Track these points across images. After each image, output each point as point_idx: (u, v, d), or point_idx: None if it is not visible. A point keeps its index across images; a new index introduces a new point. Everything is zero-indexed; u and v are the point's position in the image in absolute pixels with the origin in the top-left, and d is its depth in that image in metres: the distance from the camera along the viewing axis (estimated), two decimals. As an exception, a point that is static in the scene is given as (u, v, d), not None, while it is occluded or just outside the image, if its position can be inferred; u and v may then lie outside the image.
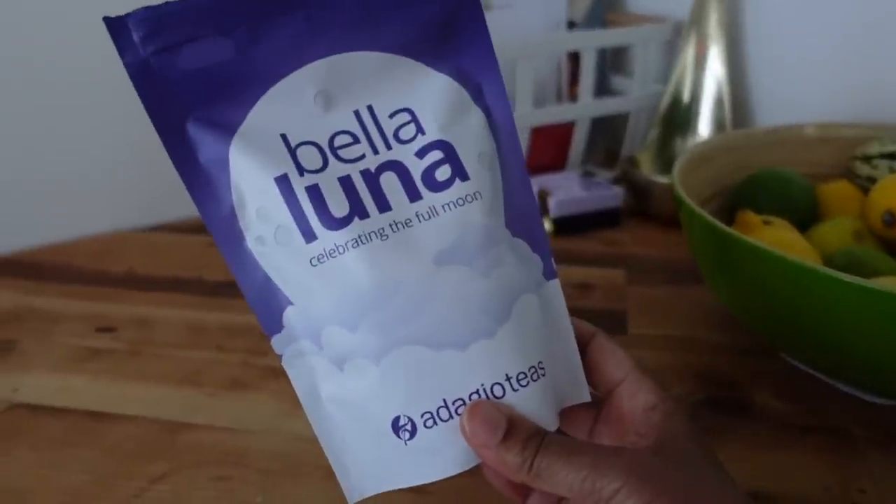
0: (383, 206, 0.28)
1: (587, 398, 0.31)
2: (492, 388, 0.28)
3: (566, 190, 0.71)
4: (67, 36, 0.68)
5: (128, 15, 0.26)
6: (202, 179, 0.28)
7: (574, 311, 0.31)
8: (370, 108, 0.29)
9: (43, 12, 0.66)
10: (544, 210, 0.71)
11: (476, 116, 0.30)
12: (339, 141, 0.29)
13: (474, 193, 0.29)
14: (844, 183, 0.59)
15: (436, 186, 0.29)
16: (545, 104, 0.81)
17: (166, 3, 0.26)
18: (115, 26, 0.26)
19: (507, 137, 0.30)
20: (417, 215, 0.28)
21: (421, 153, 0.29)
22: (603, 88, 0.87)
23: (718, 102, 0.77)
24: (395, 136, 0.29)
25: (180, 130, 0.28)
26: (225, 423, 0.46)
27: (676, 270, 0.64)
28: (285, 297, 0.29)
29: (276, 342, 0.29)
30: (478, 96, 0.30)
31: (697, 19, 0.77)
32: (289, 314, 0.29)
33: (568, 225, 0.71)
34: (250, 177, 0.28)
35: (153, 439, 0.45)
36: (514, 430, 0.27)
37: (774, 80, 0.76)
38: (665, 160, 0.78)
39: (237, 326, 0.57)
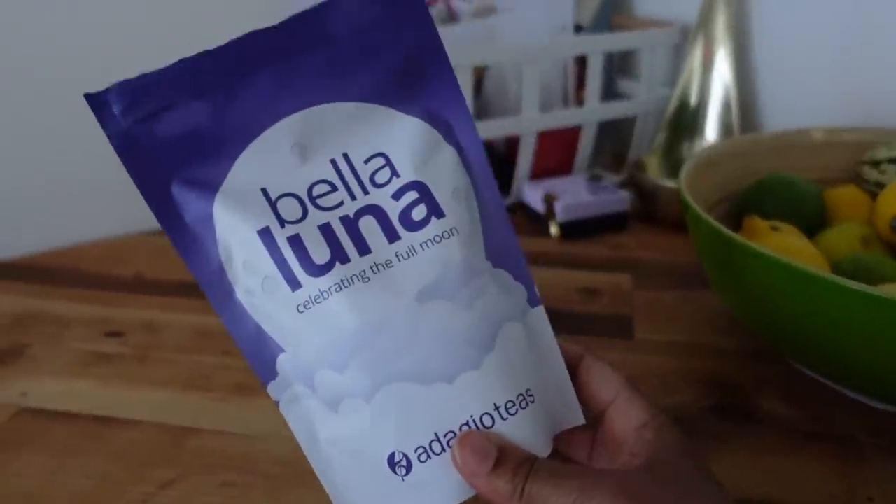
0: (363, 249, 0.29)
1: (581, 421, 0.31)
2: (481, 419, 0.29)
3: (573, 194, 0.71)
4: (75, 40, 0.68)
5: (107, 90, 0.28)
6: (189, 238, 0.29)
7: (580, 316, 0.32)
8: (346, 156, 0.30)
9: (51, 17, 0.67)
10: (551, 214, 0.71)
11: (448, 154, 0.31)
12: (317, 190, 0.30)
13: (451, 229, 0.30)
14: (852, 188, 0.59)
15: (413, 226, 0.30)
16: (551, 108, 0.81)
17: (142, 74, 0.28)
18: (96, 101, 0.28)
19: (480, 171, 0.31)
20: (397, 255, 0.29)
21: (397, 195, 0.30)
22: (610, 92, 0.87)
23: (726, 106, 0.77)
24: (371, 180, 0.30)
25: (165, 193, 0.29)
26: (232, 428, 0.46)
27: (683, 275, 0.64)
28: (277, 345, 0.30)
29: (272, 389, 0.30)
30: (448, 134, 0.31)
31: (705, 23, 0.77)
32: (281, 361, 0.30)
33: (574, 229, 0.71)
34: (235, 231, 0.29)
35: (160, 445, 0.45)
36: (505, 457, 0.28)
37: (782, 83, 0.76)
38: (672, 164, 0.78)
39: (244, 331, 0.57)
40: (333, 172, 0.30)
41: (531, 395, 0.29)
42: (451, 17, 0.80)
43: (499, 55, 0.71)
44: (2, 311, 0.61)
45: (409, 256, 0.29)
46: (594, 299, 0.60)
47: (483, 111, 0.81)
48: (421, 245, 0.29)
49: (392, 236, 0.29)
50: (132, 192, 0.80)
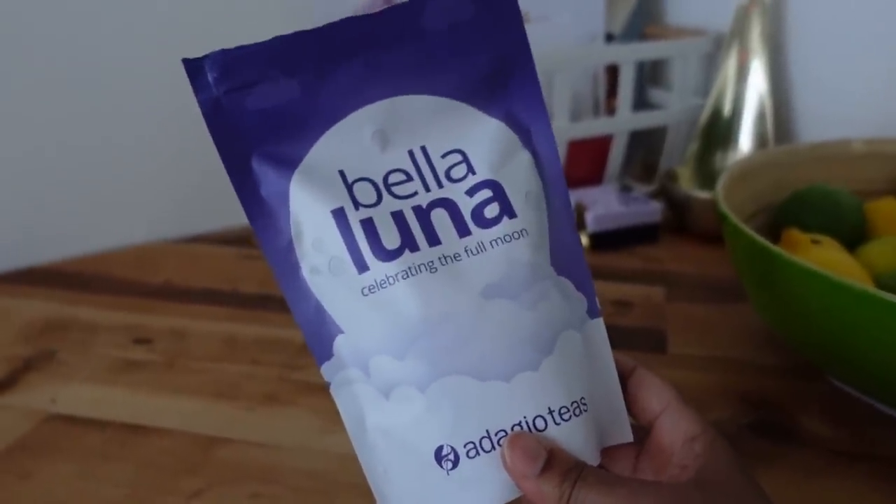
0: (433, 240, 0.29)
1: (629, 438, 0.31)
2: (534, 421, 0.28)
3: (604, 204, 0.70)
4: (109, 49, 0.69)
5: (205, 57, 0.28)
6: (263, 211, 0.30)
7: (612, 329, 0.31)
8: (423, 149, 0.31)
9: (90, 26, 0.67)
10: (581, 225, 0.70)
11: (524, 159, 0.31)
12: (393, 178, 0.30)
13: (521, 230, 0.30)
14: (893, 200, 0.58)
15: (484, 223, 0.30)
16: (581, 116, 0.81)
17: (239, 46, 0.28)
18: (192, 67, 0.28)
19: (553, 180, 0.31)
20: (466, 250, 0.29)
21: (471, 192, 0.30)
22: (641, 101, 0.86)
23: (760, 116, 0.75)
24: (447, 175, 0.30)
25: (245, 165, 0.29)
26: (260, 438, 0.46)
27: (717, 288, 0.63)
28: (336, 326, 0.29)
29: (326, 369, 0.30)
30: (526, 140, 0.31)
31: (739, 32, 0.76)
32: (338, 342, 0.29)
33: (605, 240, 0.70)
34: (308, 209, 0.29)
35: (189, 453, 0.45)
36: (554, 462, 0.27)
37: (818, 93, 0.75)
38: (705, 175, 0.77)
39: (272, 340, 0.57)
40: (410, 163, 0.30)
41: (585, 404, 0.29)
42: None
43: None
44: (31, 317, 0.61)
45: (477, 252, 0.29)
46: (626, 312, 0.59)
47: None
48: (490, 242, 0.29)
49: (463, 231, 0.29)
50: (161, 200, 0.80)
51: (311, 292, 0.30)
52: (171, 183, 0.75)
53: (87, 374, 0.53)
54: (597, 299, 0.31)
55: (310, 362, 0.54)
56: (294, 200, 0.29)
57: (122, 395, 0.51)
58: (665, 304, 0.61)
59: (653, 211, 0.71)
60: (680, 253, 0.70)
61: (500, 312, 0.28)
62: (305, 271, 0.30)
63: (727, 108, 0.77)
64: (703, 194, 0.71)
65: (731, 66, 0.76)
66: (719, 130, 0.77)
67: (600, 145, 0.79)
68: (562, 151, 0.74)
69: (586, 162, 0.79)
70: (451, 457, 0.28)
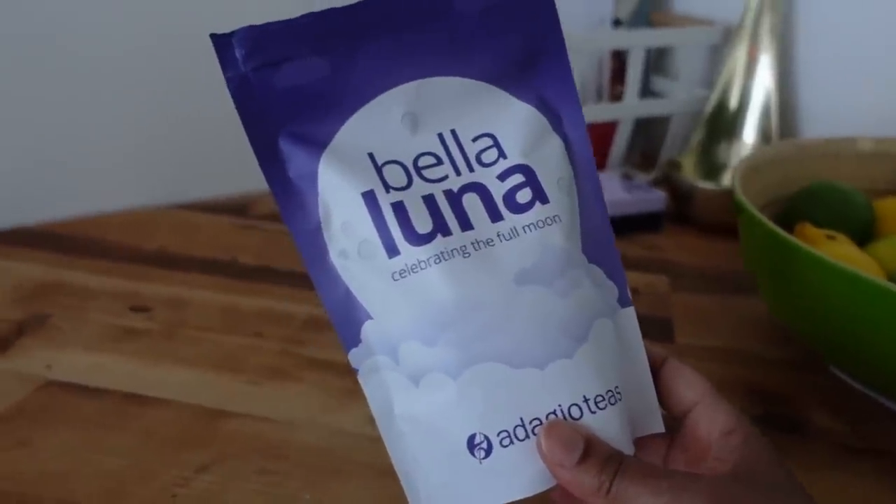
0: (465, 225, 0.29)
1: (661, 428, 0.31)
2: (569, 409, 0.28)
3: (608, 191, 0.70)
4: (105, 12, 0.66)
5: (233, 33, 0.27)
6: (291, 193, 0.29)
7: None
8: (454, 132, 0.30)
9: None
10: (585, 210, 0.70)
11: (556, 144, 0.31)
12: (423, 161, 0.29)
13: (554, 216, 0.29)
14: (900, 199, 0.58)
15: (517, 208, 0.29)
16: (585, 102, 0.80)
17: (268, 23, 0.28)
18: (220, 42, 0.27)
19: (584, 166, 0.31)
20: (499, 235, 0.29)
21: (502, 176, 0.30)
22: (644, 89, 0.85)
23: (765, 111, 0.75)
24: (478, 159, 0.30)
25: (273, 145, 0.29)
26: (266, 413, 0.45)
27: (720, 279, 0.63)
28: (365, 312, 0.29)
29: (353, 356, 0.29)
30: (557, 125, 0.31)
31: (749, 25, 0.75)
32: (367, 328, 0.29)
33: (608, 227, 0.69)
34: (338, 191, 0.29)
35: (192, 426, 0.44)
36: (592, 451, 0.27)
37: (823, 91, 0.75)
38: (708, 166, 0.76)
39: (274, 314, 0.56)
40: (440, 146, 0.30)
41: (619, 393, 0.29)
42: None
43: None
44: (23, 279, 0.59)
45: (510, 238, 0.29)
46: (632, 300, 0.59)
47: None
48: (523, 228, 0.29)
49: (495, 216, 0.29)
50: (156, 164, 0.78)
51: (340, 277, 0.29)
52: (166, 147, 0.73)
53: (83, 341, 0.52)
54: (628, 288, 0.31)
55: (314, 338, 0.53)
56: (322, 182, 0.29)
57: (120, 364, 0.49)
58: (670, 293, 0.61)
59: (657, 199, 0.71)
60: (682, 242, 0.70)
61: (533, 299, 0.28)
62: (334, 255, 0.29)
63: (733, 101, 0.77)
64: (707, 185, 0.71)
65: (739, 59, 0.76)
66: (724, 122, 0.77)
67: (603, 131, 0.78)
68: (567, 135, 0.74)
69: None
70: (484, 445, 0.27)
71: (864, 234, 0.55)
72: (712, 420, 0.29)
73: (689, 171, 0.76)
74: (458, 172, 0.29)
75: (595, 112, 0.75)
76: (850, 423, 0.46)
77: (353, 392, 0.46)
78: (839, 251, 0.48)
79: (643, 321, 0.56)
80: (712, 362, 0.51)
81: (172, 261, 0.63)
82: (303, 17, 0.28)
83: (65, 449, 0.42)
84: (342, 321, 0.29)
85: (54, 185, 0.69)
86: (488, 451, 0.27)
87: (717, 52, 0.82)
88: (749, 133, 0.76)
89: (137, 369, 0.49)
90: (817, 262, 0.41)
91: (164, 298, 0.57)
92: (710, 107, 0.78)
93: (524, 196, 0.29)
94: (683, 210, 0.73)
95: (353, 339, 0.29)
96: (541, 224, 0.29)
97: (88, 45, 0.67)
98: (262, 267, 0.63)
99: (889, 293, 0.38)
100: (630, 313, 0.31)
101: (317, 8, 0.28)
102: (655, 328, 0.55)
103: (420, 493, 0.28)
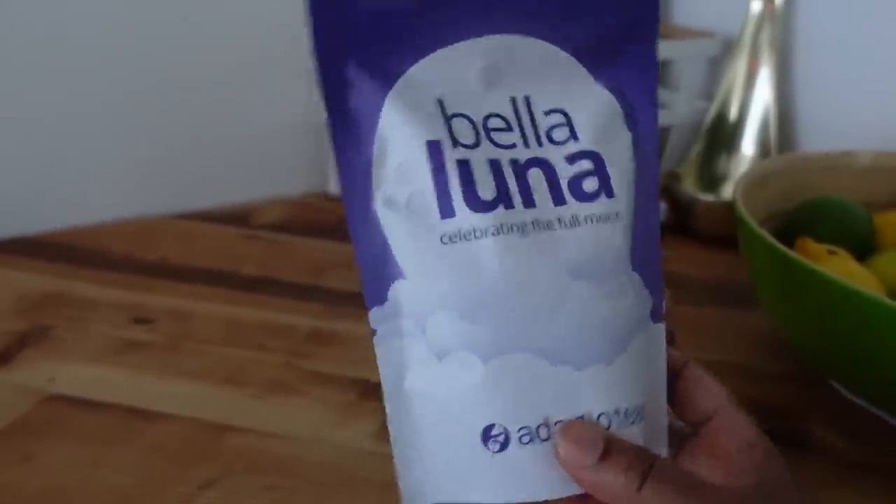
0: (528, 201, 0.27)
1: (665, 453, 0.29)
2: (598, 418, 0.26)
3: (609, 203, 0.70)
4: (107, 22, 0.66)
5: None
6: (348, 123, 0.27)
7: None
8: (527, 99, 0.28)
9: (89, -10, 0.65)
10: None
11: (626, 138, 0.29)
12: (492, 123, 0.28)
13: (616, 213, 0.28)
14: (899, 214, 0.59)
15: (582, 196, 0.27)
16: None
17: None
18: None
19: (648, 168, 0.29)
20: (560, 220, 0.27)
21: (571, 159, 0.28)
22: (644, 100, 0.85)
23: (764, 124, 0.76)
24: (548, 135, 0.28)
25: (341, 69, 0.27)
26: (271, 428, 0.45)
27: (722, 292, 0.63)
28: (399, 269, 0.27)
29: (374, 315, 0.27)
30: (631, 121, 0.29)
31: (749, 37, 0.76)
32: (397, 287, 0.27)
33: (609, 238, 0.70)
34: (401, 133, 0.27)
35: (197, 441, 0.44)
36: (615, 448, 0.26)
37: (822, 104, 0.75)
38: (708, 178, 0.77)
39: (278, 326, 0.56)
40: (511, 111, 0.28)
41: (644, 412, 0.28)
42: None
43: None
44: (25, 290, 0.59)
45: (571, 226, 0.27)
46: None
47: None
48: (585, 218, 0.27)
49: (559, 199, 0.27)
50: (160, 174, 0.78)
51: (381, 226, 0.27)
52: (168, 156, 0.73)
53: (86, 353, 0.52)
54: (664, 303, 0.29)
55: (317, 351, 0.53)
56: (385, 117, 0.27)
57: (123, 377, 0.49)
58: (672, 305, 0.61)
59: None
60: (683, 254, 0.70)
61: (583, 295, 0.27)
62: (379, 202, 0.27)
63: (733, 113, 0.77)
64: (707, 197, 0.71)
65: (739, 71, 0.76)
66: (724, 134, 0.77)
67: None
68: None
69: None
70: (501, 438, 0.26)
71: (863, 248, 0.56)
72: (732, 432, 0.28)
73: (690, 183, 0.76)
74: (526, 144, 0.28)
75: (596, 123, 0.75)
76: (853, 438, 0.46)
77: (357, 406, 0.46)
78: (840, 267, 0.48)
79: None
80: (714, 375, 0.51)
81: (175, 271, 0.63)
82: None
83: (68, 464, 0.41)
84: (371, 275, 0.27)
85: (56, 195, 0.69)
86: (504, 445, 0.26)
87: (717, 65, 0.83)
88: (748, 145, 0.76)
89: (141, 382, 0.49)
90: (818, 277, 0.42)
91: (166, 310, 0.57)
92: (709, 119, 0.79)
93: (591, 185, 0.28)
94: (684, 221, 0.73)
95: (380, 297, 0.27)
96: (604, 218, 0.27)
97: (90, 55, 0.67)
98: (265, 278, 0.63)
99: (891, 310, 0.38)
100: (660, 329, 0.29)
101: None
102: (657, 341, 0.55)
103: (413, 477, 0.27)
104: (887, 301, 0.39)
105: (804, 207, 0.58)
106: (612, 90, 0.29)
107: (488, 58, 0.28)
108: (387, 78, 0.27)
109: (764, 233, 0.46)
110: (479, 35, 0.28)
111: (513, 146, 0.28)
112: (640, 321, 0.28)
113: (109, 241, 0.68)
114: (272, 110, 0.74)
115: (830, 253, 0.50)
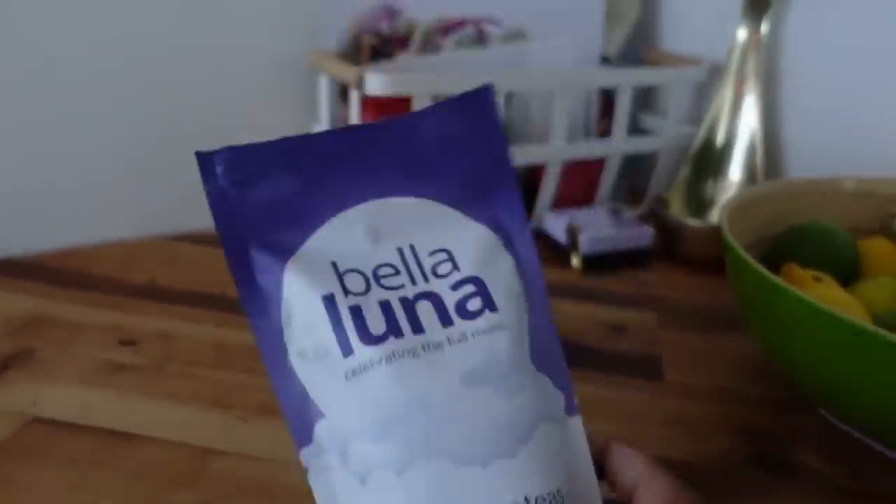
0: (417, 328, 0.30)
1: None
2: None
3: (597, 227, 0.71)
4: (94, 42, 0.66)
5: (216, 151, 0.31)
6: (257, 297, 0.31)
7: (609, 355, 0.32)
8: (412, 247, 0.32)
9: (67, 18, 0.65)
10: (574, 247, 0.70)
11: (506, 261, 0.33)
12: (382, 272, 0.32)
13: (501, 324, 0.31)
14: (883, 240, 0.59)
15: (467, 315, 0.31)
16: (574, 138, 0.81)
17: (248, 144, 0.31)
18: (204, 160, 0.31)
19: (533, 283, 0.33)
20: (448, 339, 0.30)
21: (455, 286, 0.32)
22: (632, 125, 0.86)
23: (751, 149, 0.76)
24: (433, 271, 0.32)
25: (245, 253, 0.31)
26: (259, 452, 0.44)
27: (709, 317, 0.63)
28: (318, 411, 0.30)
29: (305, 455, 0.30)
30: (509, 245, 0.33)
31: (735, 64, 0.77)
32: (319, 427, 0.30)
33: (597, 262, 0.70)
34: (300, 295, 0.31)
35: (183, 465, 0.43)
36: None
37: (807, 130, 0.77)
38: (695, 202, 0.77)
39: (265, 348, 0.55)
40: (399, 259, 0.32)
41: (561, 496, 0.29)
42: (481, 40, 0.79)
43: (530, 83, 0.71)
44: (8, 312, 0.59)
45: (459, 342, 0.30)
46: (621, 337, 0.59)
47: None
48: (472, 333, 0.31)
49: (446, 321, 0.31)
50: (146, 195, 0.78)
51: (297, 376, 0.30)
52: (154, 178, 0.73)
53: (70, 376, 0.51)
54: (575, 398, 0.32)
55: (305, 374, 0.52)
56: (287, 286, 0.31)
57: (108, 400, 0.49)
58: (658, 330, 0.61)
59: (645, 235, 0.71)
60: (670, 279, 0.70)
61: (478, 399, 0.29)
62: (293, 355, 0.31)
63: (720, 139, 0.78)
64: (694, 222, 0.72)
65: (726, 97, 0.77)
66: (711, 160, 0.78)
67: (592, 167, 0.79)
68: (557, 172, 0.74)
69: (577, 183, 0.79)
70: None
71: (848, 274, 0.56)
72: (654, 495, 0.30)
73: (677, 207, 0.77)
74: (414, 282, 0.32)
75: (583, 149, 0.75)
76: (840, 464, 0.46)
77: (345, 430, 0.46)
78: (826, 294, 0.49)
79: (632, 359, 0.56)
80: (702, 401, 0.52)
81: (161, 294, 0.63)
82: (279, 140, 0.31)
83: (51, 488, 0.41)
84: (296, 420, 0.30)
85: (41, 216, 0.69)
86: None
87: (704, 90, 0.84)
88: (735, 170, 0.77)
89: (126, 406, 0.48)
90: (803, 304, 0.42)
91: (153, 332, 0.57)
92: (697, 144, 0.80)
93: (474, 304, 0.31)
94: (671, 246, 0.74)
95: (306, 439, 0.30)
96: (488, 330, 0.31)
97: (76, 76, 0.67)
98: (252, 300, 0.62)
99: (876, 337, 0.39)
100: (576, 422, 0.32)
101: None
102: (644, 366, 0.55)
103: None
104: (871, 328, 0.39)
105: (790, 233, 0.58)
106: (488, 223, 0.34)
107: (371, 219, 0.32)
108: (284, 253, 0.31)
109: (750, 258, 0.46)
110: (359, 203, 0.32)
111: (401, 286, 0.31)
112: (549, 415, 0.31)
113: (96, 263, 0.68)
114: (261, 134, 0.75)
115: (815, 279, 0.51)
